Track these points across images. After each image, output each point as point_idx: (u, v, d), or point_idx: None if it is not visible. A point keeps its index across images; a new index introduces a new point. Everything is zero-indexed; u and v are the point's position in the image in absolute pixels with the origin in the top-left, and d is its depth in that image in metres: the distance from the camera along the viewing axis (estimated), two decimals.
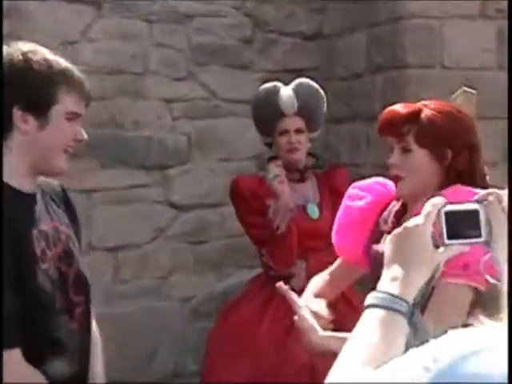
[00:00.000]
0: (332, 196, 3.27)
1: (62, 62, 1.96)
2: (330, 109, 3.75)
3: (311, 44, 4.62)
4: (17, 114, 1.90)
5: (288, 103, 3.17)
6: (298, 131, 3.21)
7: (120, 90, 4.12)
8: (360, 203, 2.32)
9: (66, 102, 1.94)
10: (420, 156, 2.14)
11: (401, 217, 2.15)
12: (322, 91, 3.26)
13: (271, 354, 3.04)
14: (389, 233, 2.10)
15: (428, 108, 2.18)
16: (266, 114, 3.21)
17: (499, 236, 1.33)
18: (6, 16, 3.74)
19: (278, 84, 3.24)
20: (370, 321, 1.25)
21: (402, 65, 3.99)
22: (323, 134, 3.95)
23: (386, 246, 1.37)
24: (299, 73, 3.66)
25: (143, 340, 4.09)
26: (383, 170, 4.13)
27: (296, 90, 3.18)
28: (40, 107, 1.91)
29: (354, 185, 2.38)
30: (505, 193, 1.35)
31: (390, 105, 4.08)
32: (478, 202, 1.36)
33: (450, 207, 1.34)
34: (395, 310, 1.25)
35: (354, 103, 4.35)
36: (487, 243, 1.34)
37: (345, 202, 2.36)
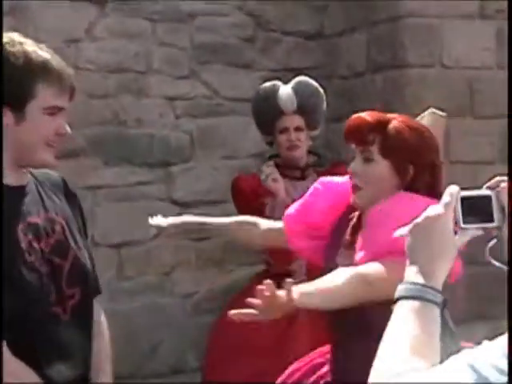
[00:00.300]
0: None
1: (43, 54, 1.86)
2: (331, 107, 3.77)
3: (312, 43, 4.61)
4: None
5: (287, 101, 3.20)
6: (298, 129, 3.23)
7: (123, 88, 4.12)
8: (321, 205, 2.27)
9: (45, 97, 1.85)
10: (382, 167, 2.09)
11: (358, 229, 2.13)
12: (321, 89, 3.28)
13: (272, 351, 3.06)
14: (345, 246, 2.15)
15: (397, 120, 2.14)
16: (266, 113, 3.24)
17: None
18: (10, 14, 3.75)
19: (278, 83, 3.26)
20: (405, 313, 1.23)
21: (402, 64, 4.00)
22: (324, 132, 3.95)
23: (406, 237, 1.35)
24: (301, 72, 3.66)
25: (146, 335, 4.10)
26: None
27: (295, 89, 3.21)
28: (16, 102, 1.83)
29: (321, 180, 2.34)
30: None
31: (390, 103, 4.12)
32: (490, 188, 1.37)
33: (465, 193, 1.36)
34: (429, 300, 1.23)
35: (355, 102, 4.28)
36: (499, 228, 1.35)
37: (307, 196, 2.32)
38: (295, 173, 3.27)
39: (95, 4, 4.09)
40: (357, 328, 2.13)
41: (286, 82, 3.31)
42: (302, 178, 3.31)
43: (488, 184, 1.38)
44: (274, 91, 3.21)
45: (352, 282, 1.96)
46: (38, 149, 1.87)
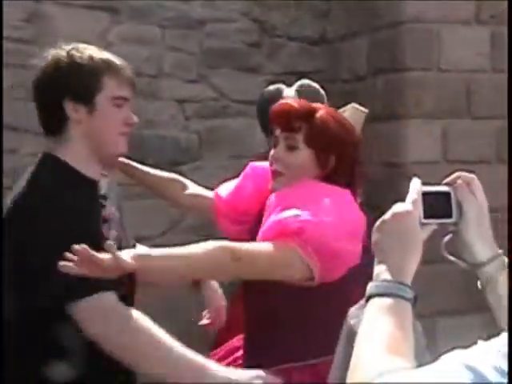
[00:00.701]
0: None
1: (103, 53, 2.03)
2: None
3: (316, 48, 4.64)
4: (68, 105, 1.96)
5: None
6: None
7: (135, 91, 4.24)
8: (249, 190, 2.24)
9: (110, 88, 1.99)
10: (305, 155, 2.05)
11: None
12: (323, 92, 3.28)
13: None
14: None
15: (323, 110, 2.09)
16: None
17: (471, 218, 1.37)
18: (29, 21, 3.84)
19: (281, 86, 3.24)
20: (378, 310, 1.19)
21: (401, 67, 4.02)
22: None
23: (373, 232, 1.31)
24: (304, 75, 3.65)
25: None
26: (384, 168, 4.32)
27: (298, 91, 3.22)
28: (86, 95, 1.96)
29: (251, 165, 2.31)
30: (472, 176, 1.40)
31: (391, 106, 4.21)
32: (449, 184, 1.39)
33: (426, 188, 1.35)
34: (401, 297, 1.20)
35: (356, 104, 4.40)
36: (456, 224, 1.37)
37: (239, 180, 2.30)
38: None
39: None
40: (263, 313, 2.09)
41: (290, 85, 3.33)
42: None
43: (447, 180, 1.40)
44: (277, 94, 3.17)
45: (214, 254, 1.81)
46: (111, 138, 2.00)
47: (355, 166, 2.11)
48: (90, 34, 4.02)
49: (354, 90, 4.39)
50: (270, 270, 1.88)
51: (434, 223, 1.35)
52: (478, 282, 1.40)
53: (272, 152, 2.10)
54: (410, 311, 1.20)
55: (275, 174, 2.07)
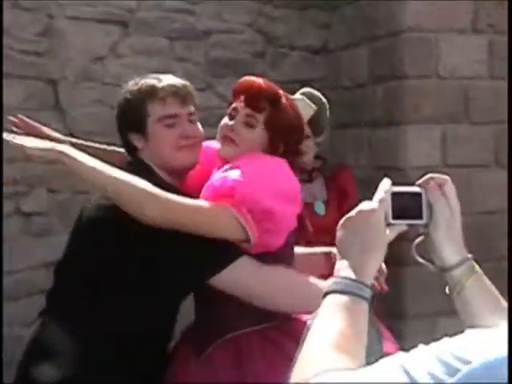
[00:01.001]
0: (338, 194, 3.38)
1: (152, 80, 2.13)
2: (336, 116, 3.80)
3: (318, 57, 4.71)
4: (132, 137, 2.13)
5: None
6: (305, 137, 3.36)
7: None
8: (198, 169, 2.21)
9: (154, 111, 2.09)
10: (261, 136, 2.07)
11: None
12: (324, 99, 3.30)
13: None
14: None
15: (286, 98, 2.12)
16: None
17: (441, 220, 1.34)
18: (43, 34, 3.92)
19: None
20: (333, 307, 1.16)
21: (400, 75, 4.04)
22: (329, 139, 4.03)
23: (337, 228, 1.28)
24: (307, 83, 3.70)
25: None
26: (384, 173, 4.40)
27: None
28: (140, 125, 2.11)
29: (206, 145, 2.26)
30: (445, 178, 1.37)
31: (390, 112, 4.21)
32: (420, 186, 1.36)
33: (396, 189, 1.33)
34: (358, 296, 1.17)
35: (357, 110, 4.39)
36: (426, 225, 1.34)
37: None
38: (303, 176, 3.27)
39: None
40: (204, 293, 2.08)
41: (293, 93, 3.39)
42: (310, 180, 3.38)
43: (419, 181, 1.37)
44: None
45: (146, 192, 1.85)
46: (168, 155, 2.09)
47: (297, 158, 2.14)
48: (101, 47, 4.15)
49: (354, 97, 4.43)
50: (204, 225, 1.89)
51: (403, 224, 1.32)
52: (447, 287, 1.37)
53: (230, 122, 2.11)
54: (366, 311, 1.17)
55: (227, 139, 2.09)
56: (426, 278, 4.08)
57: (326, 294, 1.19)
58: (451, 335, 0.96)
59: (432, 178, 1.36)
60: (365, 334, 1.14)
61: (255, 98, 2.06)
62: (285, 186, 2.01)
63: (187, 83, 2.18)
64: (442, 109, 4.09)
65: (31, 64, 3.88)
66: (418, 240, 1.37)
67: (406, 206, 1.32)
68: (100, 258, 1.94)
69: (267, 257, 1.98)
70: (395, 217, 1.30)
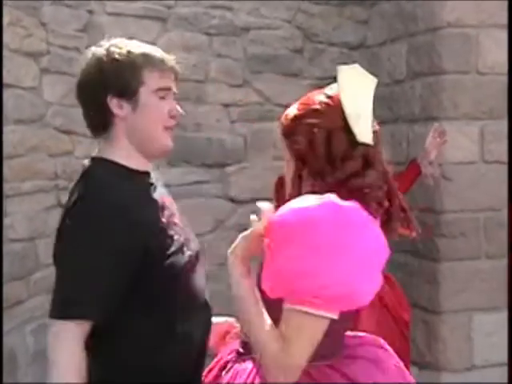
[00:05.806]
0: None
1: (143, 47, 1.98)
2: (374, 112, 3.85)
3: (356, 53, 4.72)
4: (112, 101, 1.92)
5: None
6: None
7: (183, 96, 4.01)
8: None
9: (151, 80, 1.94)
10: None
11: None
12: None
13: None
14: None
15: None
16: None
17: None
18: (84, 30, 3.98)
19: None
20: None
21: (438, 71, 4.06)
22: None
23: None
24: None
25: None
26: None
27: None
28: (129, 91, 1.92)
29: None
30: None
31: (428, 108, 4.15)
32: None
33: None
34: None
35: (396, 107, 4.41)
36: None
37: None
38: None
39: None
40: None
41: None
42: None
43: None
44: None
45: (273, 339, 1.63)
46: (156, 133, 1.97)
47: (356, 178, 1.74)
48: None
49: (392, 93, 4.46)
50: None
51: None
52: None
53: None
54: None
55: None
56: (462, 274, 4.11)
57: None
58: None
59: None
60: None
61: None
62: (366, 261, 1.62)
63: None
64: (480, 105, 4.09)
65: (71, 60, 3.92)
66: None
67: None
68: None
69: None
70: None
